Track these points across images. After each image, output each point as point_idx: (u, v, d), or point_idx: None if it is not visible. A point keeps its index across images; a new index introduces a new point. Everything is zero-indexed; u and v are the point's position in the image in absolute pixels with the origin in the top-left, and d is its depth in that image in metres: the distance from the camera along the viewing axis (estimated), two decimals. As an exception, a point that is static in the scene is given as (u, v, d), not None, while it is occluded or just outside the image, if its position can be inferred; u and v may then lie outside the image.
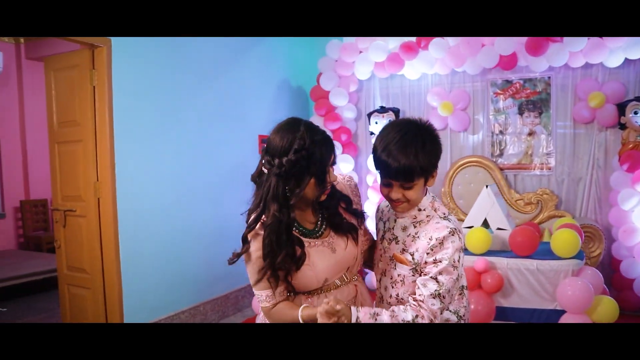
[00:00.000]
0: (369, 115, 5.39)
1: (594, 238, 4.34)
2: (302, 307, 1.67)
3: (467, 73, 5.03)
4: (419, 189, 1.69)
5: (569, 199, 4.83)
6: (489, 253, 3.96)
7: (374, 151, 1.70)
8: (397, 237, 1.78)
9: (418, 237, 1.71)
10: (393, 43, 5.07)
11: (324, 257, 1.73)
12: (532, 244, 3.79)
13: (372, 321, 1.58)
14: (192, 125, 4.35)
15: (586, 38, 4.23)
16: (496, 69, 4.85)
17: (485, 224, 4.10)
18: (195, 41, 4.33)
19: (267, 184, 1.62)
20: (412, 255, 1.71)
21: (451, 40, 4.80)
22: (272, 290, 1.69)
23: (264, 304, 1.73)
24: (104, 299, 3.72)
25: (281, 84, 5.56)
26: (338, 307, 1.51)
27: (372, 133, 5.37)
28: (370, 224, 2.01)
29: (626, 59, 4.29)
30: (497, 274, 3.75)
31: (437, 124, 4.89)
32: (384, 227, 1.87)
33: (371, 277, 4.37)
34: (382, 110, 5.30)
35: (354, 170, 5.53)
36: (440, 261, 1.62)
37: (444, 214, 1.72)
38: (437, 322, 1.64)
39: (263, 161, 1.65)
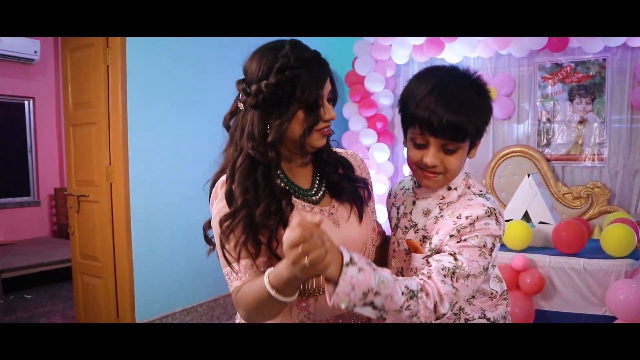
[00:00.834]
0: (407, 102, 5.07)
1: (651, 236, 3.90)
2: (267, 271, 1.13)
3: (512, 56, 4.69)
4: (462, 156, 1.30)
5: (624, 194, 4.40)
6: (529, 249, 3.54)
7: (405, 102, 1.31)
8: (415, 224, 1.38)
9: (442, 216, 1.31)
10: (432, 24, 4.75)
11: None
12: (579, 240, 3.37)
13: (367, 277, 1.05)
14: (213, 109, 4.12)
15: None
16: (544, 51, 4.49)
17: (526, 217, 3.71)
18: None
19: (242, 121, 1.26)
20: (430, 240, 1.31)
21: (495, 20, 4.45)
22: (252, 260, 1.22)
23: (236, 283, 1.24)
24: (115, 289, 3.55)
25: (314, 69, 5.27)
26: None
27: (408, 121, 5.06)
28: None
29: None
30: (537, 273, 3.34)
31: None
32: (398, 213, 1.47)
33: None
34: (420, 96, 4.97)
35: (390, 160, 5.23)
36: (466, 240, 1.23)
37: (480, 191, 1.33)
38: (442, 311, 1.16)
39: (239, 94, 1.29)
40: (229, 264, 1.23)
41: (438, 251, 1.27)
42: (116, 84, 3.44)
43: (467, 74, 1.32)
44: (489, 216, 1.24)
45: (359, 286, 1.04)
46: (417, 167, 1.33)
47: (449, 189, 1.35)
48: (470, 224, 1.23)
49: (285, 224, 1.20)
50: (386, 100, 5.17)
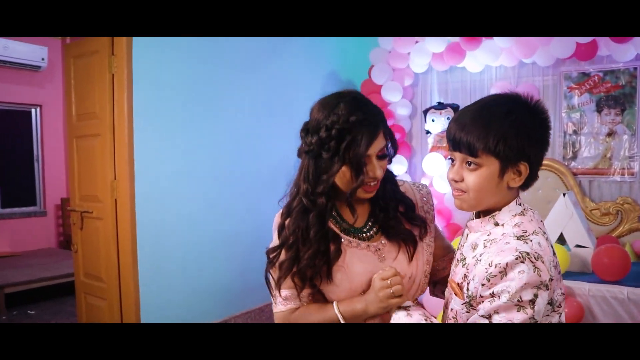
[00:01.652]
0: (425, 112, 4.96)
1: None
2: (335, 302, 1.38)
3: (536, 65, 4.49)
4: (485, 176, 1.23)
5: (656, 210, 4.17)
6: (566, 275, 3.29)
7: None
8: (464, 257, 1.32)
9: (480, 260, 1.22)
10: (453, 31, 4.56)
11: (365, 261, 1.41)
12: (623, 267, 3.12)
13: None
14: (226, 120, 3.96)
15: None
16: (571, 60, 4.28)
17: (561, 239, 3.48)
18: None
19: (303, 162, 1.42)
20: (467, 285, 1.24)
21: (519, 27, 4.24)
22: (297, 291, 1.41)
23: (280, 307, 1.44)
24: (120, 312, 3.36)
25: (329, 78, 5.08)
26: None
27: (428, 132, 4.90)
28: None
29: None
30: (576, 301, 3.10)
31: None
32: (459, 243, 1.43)
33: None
34: (440, 106, 4.86)
35: (407, 172, 5.04)
36: (498, 296, 1.13)
37: (525, 232, 1.20)
38: None
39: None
40: (270, 288, 1.44)
41: (475, 299, 1.21)
42: (122, 94, 3.27)
43: (517, 97, 1.27)
44: (522, 262, 1.12)
45: None
46: (450, 185, 1.32)
47: (496, 224, 1.27)
48: (500, 272, 1.14)
49: (330, 266, 1.37)
50: (403, 111, 4.99)
